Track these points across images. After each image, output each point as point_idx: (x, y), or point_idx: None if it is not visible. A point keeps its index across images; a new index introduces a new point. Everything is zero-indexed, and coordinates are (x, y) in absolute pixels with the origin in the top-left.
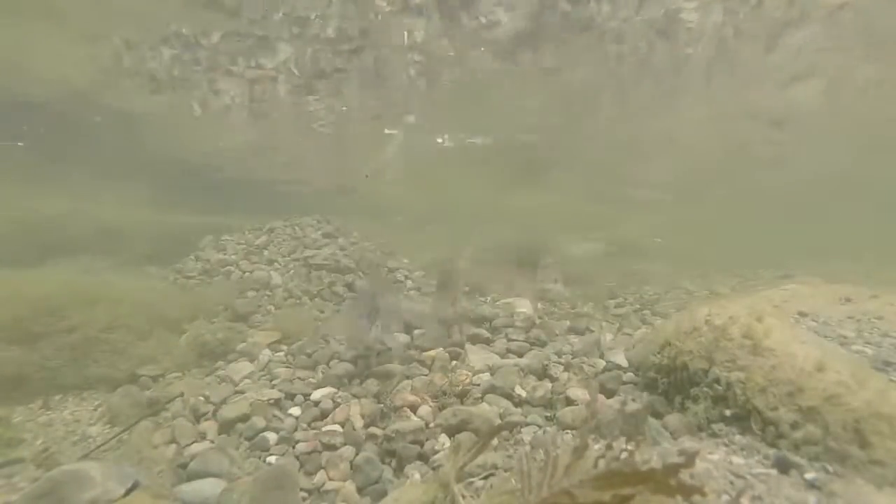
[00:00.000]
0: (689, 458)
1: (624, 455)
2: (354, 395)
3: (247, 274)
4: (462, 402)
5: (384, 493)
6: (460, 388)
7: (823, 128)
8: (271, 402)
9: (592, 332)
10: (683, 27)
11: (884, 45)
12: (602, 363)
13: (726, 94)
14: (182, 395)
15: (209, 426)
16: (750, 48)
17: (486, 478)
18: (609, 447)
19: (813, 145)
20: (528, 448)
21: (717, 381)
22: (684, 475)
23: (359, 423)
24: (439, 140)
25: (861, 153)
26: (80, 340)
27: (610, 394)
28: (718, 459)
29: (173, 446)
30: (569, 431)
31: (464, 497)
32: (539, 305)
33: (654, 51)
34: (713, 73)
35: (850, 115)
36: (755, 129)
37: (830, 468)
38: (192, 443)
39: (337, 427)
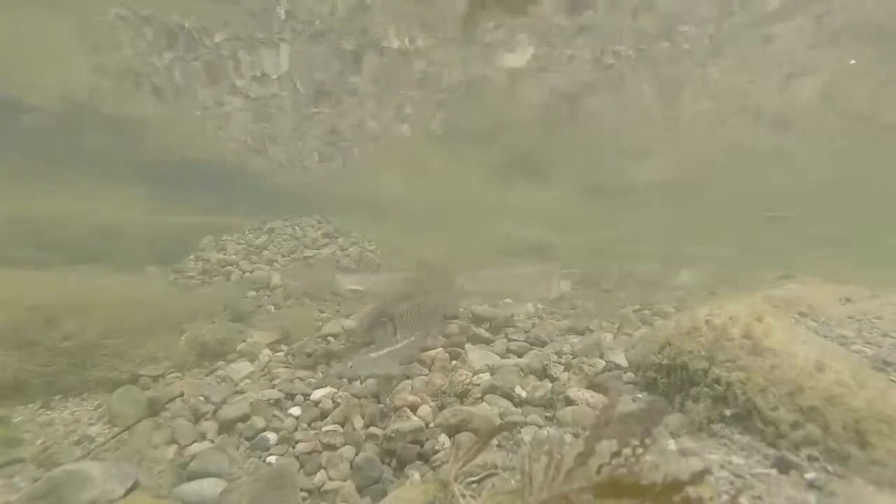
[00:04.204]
0: (697, 476)
1: (631, 460)
2: (354, 395)
3: (247, 274)
4: (462, 402)
5: (384, 493)
6: (460, 388)
7: (821, 125)
8: (271, 402)
9: (592, 332)
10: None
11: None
12: (602, 363)
13: (725, 90)
14: (182, 395)
15: (209, 426)
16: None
17: (485, 478)
18: (616, 454)
19: (811, 143)
20: (530, 449)
21: (717, 380)
22: (690, 491)
23: (359, 423)
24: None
25: (859, 151)
26: (79, 347)
27: (607, 392)
28: (718, 459)
29: (173, 446)
30: (569, 430)
31: (464, 497)
32: (539, 305)
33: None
34: (710, 70)
35: (848, 112)
36: (755, 128)
37: (830, 468)
38: (192, 443)
39: (337, 427)
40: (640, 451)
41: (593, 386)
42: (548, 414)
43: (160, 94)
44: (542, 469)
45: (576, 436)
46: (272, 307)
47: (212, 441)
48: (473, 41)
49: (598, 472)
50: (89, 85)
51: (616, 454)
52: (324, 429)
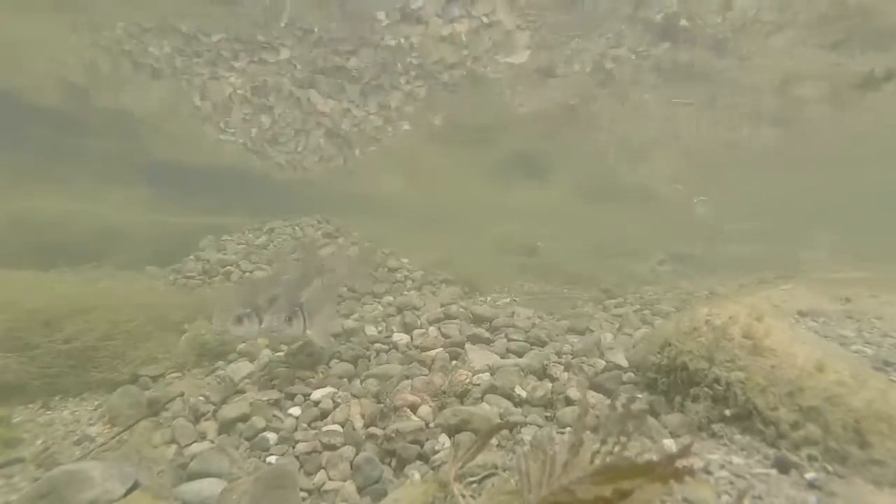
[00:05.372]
0: (685, 448)
1: (616, 448)
2: (354, 395)
3: (247, 274)
4: (462, 402)
5: (384, 493)
6: (460, 388)
7: (821, 128)
8: (271, 402)
9: (592, 332)
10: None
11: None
12: (602, 363)
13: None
14: (182, 394)
15: (209, 426)
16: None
17: (486, 478)
18: (604, 442)
19: (812, 144)
20: (526, 448)
21: (717, 380)
22: (680, 463)
23: (359, 423)
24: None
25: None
26: (79, 349)
27: (610, 394)
28: (718, 459)
29: (173, 446)
30: (568, 429)
31: (464, 497)
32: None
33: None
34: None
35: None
36: (755, 128)
37: (830, 468)
38: (192, 443)
39: (337, 427)
40: (623, 439)
41: (593, 386)
42: (548, 414)
43: (158, 76)
44: (538, 466)
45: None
46: None
47: (212, 441)
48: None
49: (592, 461)
50: (88, 75)
51: (604, 442)
52: (324, 429)
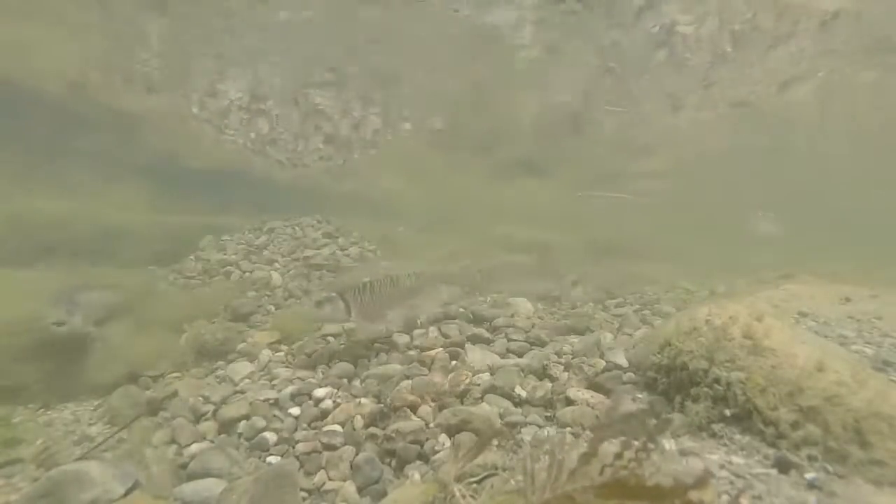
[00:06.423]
0: (701, 480)
1: (633, 463)
2: (354, 395)
3: (247, 274)
4: (462, 402)
5: (384, 493)
6: (460, 388)
7: (819, 128)
8: (271, 402)
9: (592, 332)
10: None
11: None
12: (602, 363)
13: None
14: (181, 394)
15: (209, 426)
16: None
17: (486, 478)
18: (618, 456)
19: (810, 145)
20: (532, 448)
21: (718, 380)
22: (693, 495)
23: (359, 423)
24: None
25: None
26: (79, 349)
27: (610, 394)
28: (718, 459)
29: (173, 446)
30: (569, 430)
31: (464, 497)
32: (539, 305)
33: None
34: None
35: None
36: (753, 129)
37: (830, 468)
38: (192, 443)
39: (337, 427)
40: (642, 454)
41: (593, 386)
42: (548, 414)
43: (158, 85)
44: (544, 469)
45: (576, 436)
46: (272, 307)
47: (212, 441)
48: None
49: (601, 472)
50: (88, 79)
51: (619, 455)
52: (324, 429)
